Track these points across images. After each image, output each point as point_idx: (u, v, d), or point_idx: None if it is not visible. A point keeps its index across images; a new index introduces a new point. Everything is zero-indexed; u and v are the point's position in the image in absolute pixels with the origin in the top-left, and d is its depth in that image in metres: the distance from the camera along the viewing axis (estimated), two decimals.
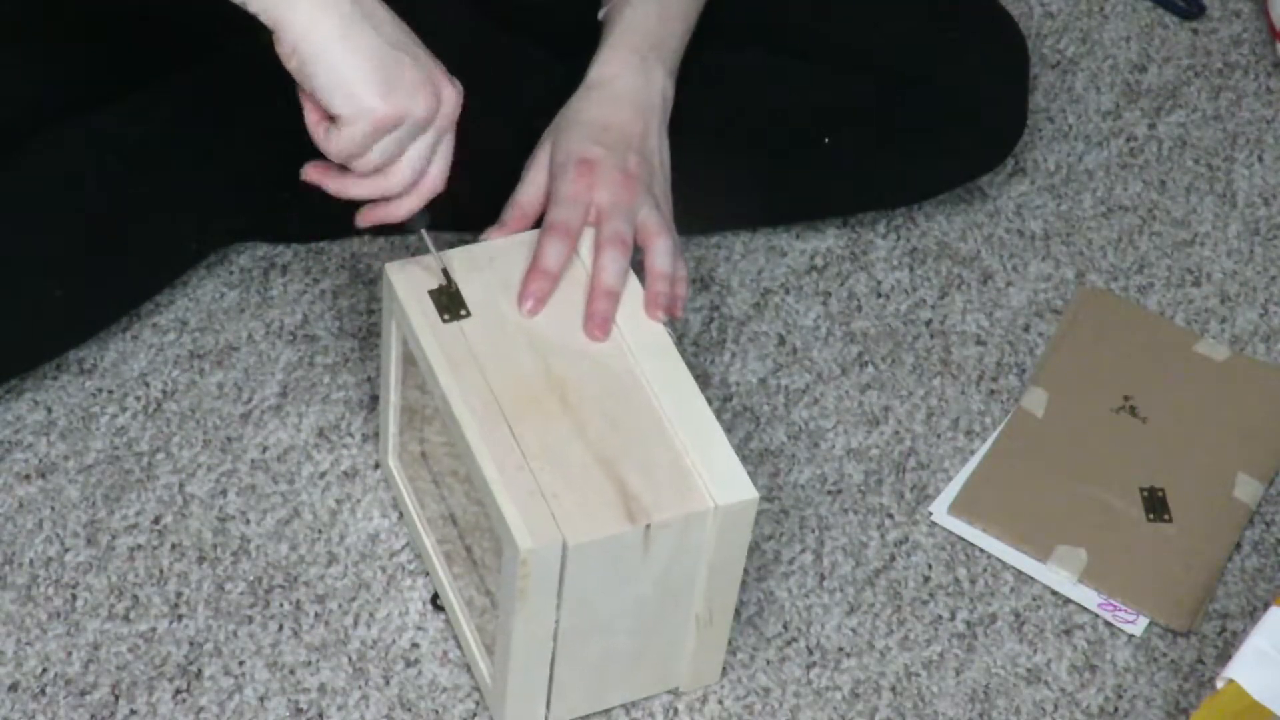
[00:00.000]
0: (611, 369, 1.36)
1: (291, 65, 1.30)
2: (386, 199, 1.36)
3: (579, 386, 1.35)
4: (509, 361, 1.35)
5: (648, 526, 1.29)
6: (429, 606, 1.45)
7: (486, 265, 1.40)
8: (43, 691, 1.40)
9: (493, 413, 1.32)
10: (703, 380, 1.61)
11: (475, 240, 1.43)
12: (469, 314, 1.36)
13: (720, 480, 1.31)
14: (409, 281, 1.38)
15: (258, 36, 1.59)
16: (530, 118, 1.58)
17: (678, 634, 1.39)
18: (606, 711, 1.43)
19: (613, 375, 1.36)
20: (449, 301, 1.37)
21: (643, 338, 1.38)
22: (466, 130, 1.62)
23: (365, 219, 1.39)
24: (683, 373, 1.36)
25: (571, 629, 1.33)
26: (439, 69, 1.33)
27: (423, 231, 1.37)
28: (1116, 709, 1.48)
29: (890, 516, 1.56)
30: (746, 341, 1.64)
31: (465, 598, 1.43)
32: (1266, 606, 1.49)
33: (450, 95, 1.33)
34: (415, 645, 1.45)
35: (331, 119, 1.32)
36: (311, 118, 1.33)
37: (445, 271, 1.37)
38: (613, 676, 1.40)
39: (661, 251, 1.43)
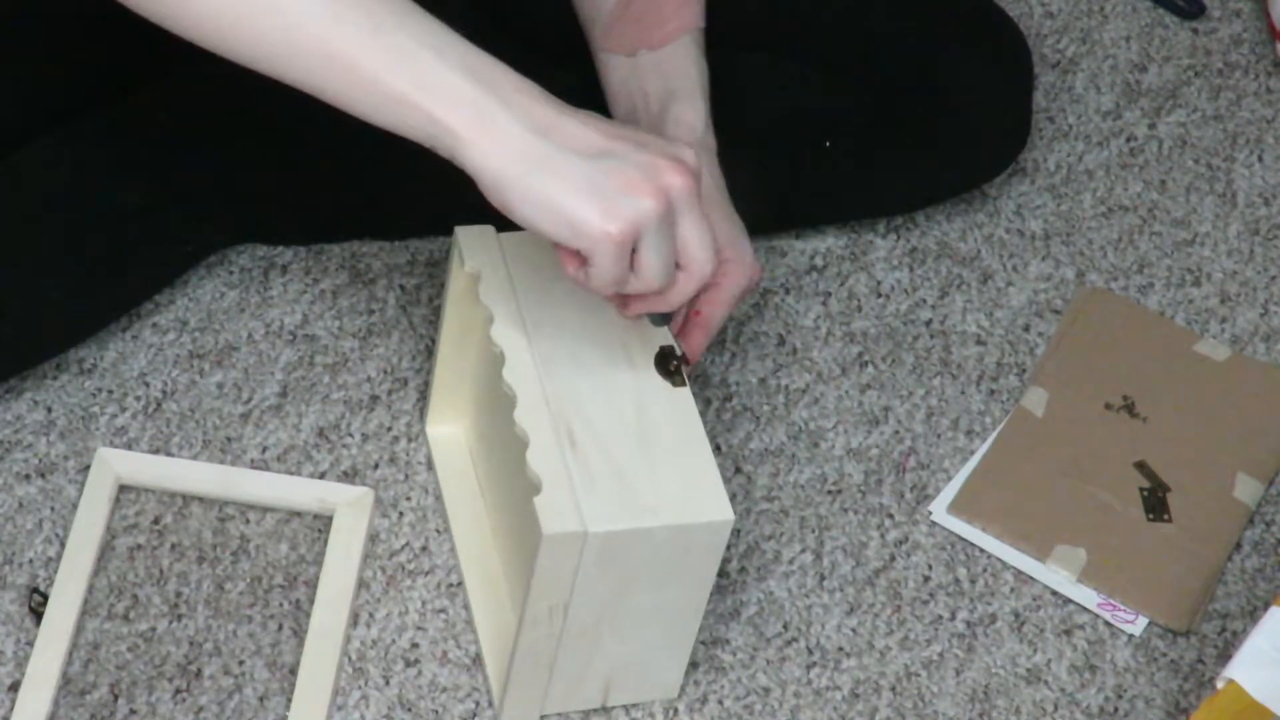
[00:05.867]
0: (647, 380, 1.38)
1: (508, 214, 1.23)
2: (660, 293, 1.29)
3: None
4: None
5: (666, 527, 1.30)
6: (30, 608, 1.44)
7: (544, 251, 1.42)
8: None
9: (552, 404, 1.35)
10: (703, 380, 1.61)
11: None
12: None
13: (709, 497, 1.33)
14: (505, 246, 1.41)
15: None
16: None
17: (679, 640, 1.40)
18: (607, 711, 1.43)
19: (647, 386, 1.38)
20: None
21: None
22: None
23: (633, 310, 1.31)
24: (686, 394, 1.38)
25: (580, 620, 1.33)
26: (655, 148, 1.24)
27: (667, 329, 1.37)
28: (1116, 709, 1.48)
29: (890, 516, 1.56)
30: (746, 341, 1.64)
31: (484, 575, 1.46)
32: (1266, 606, 1.49)
33: (678, 173, 1.23)
34: (415, 645, 1.45)
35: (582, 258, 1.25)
36: (568, 266, 1.26)
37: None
38: (615, 676, 1.40)
39: None
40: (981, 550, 1.55)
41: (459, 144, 1.22)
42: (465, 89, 1.21)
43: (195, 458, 1.52)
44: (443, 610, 1.46)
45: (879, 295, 1.69)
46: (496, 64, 1.24)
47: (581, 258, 1.24)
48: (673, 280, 1.27)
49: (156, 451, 1.52)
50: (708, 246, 1.26)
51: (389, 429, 1.55)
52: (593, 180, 1.21)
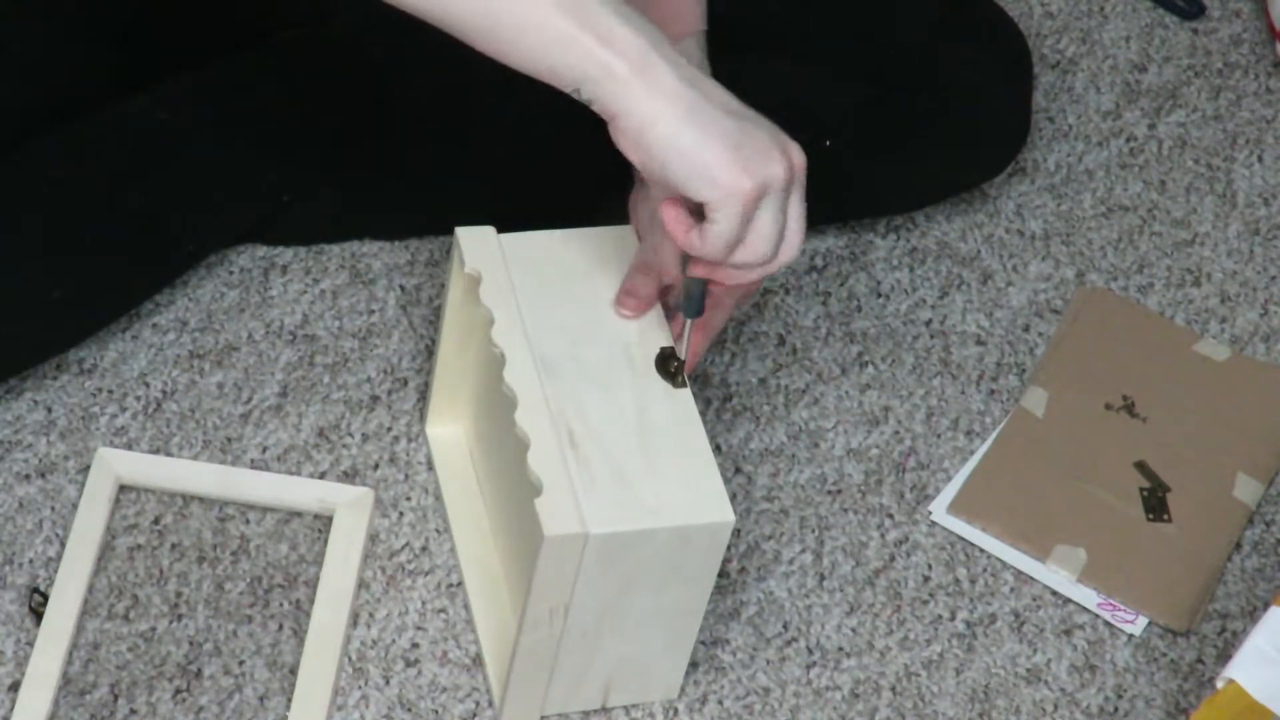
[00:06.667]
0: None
1: (636, 158, 1.26)
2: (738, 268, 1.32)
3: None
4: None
5: (667, 529, 1.30)
6: (30, 608, 1.44)
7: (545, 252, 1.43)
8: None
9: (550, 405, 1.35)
10: (703, 380, 1.61)
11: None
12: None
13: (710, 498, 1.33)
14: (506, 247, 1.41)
15: (256, 38, 1.59)
16: (541, 116, 1.58)
17: (679, 640, 1.40)
18: (607, 711, 1.43)
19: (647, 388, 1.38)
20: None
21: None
22: (487, 134, 1.61)
23: (695, 272, 1.33)
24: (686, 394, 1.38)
25: (580, 621, 1.33)
26: (774, 127, 1.29)
27: (686, 321, 1.37)
28: (1116, 709, 1.48)
29: (890, 516, 1.56)
30: (746, 341, 1.64)
31: (484, 575, 1.46)
32: (1266, 606, 1.49)
33: (797, 149, 1.28)
34: (415, 645, 1.45)
35: (696, 215, 1.27)
36: (678, 229, 1.28)
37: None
38: (615, 677, 1.40)
39: None
40: (981, 550, 1.55)
41: (617, 86, 1.24)
42: (629, 34, 1.25)
43: (195, 458, 1.52)
44: (443, 610, 1.46)
45: (879, 295, 1.69)
46: (643, 16, 1.27)
47: (695, 220, 1.27)
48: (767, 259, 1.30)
49: (156, 451, 1.52)
50: (803, 230, 1.30)
51: (389, 429, 1.55)
52: (734, 137, 1.25)
